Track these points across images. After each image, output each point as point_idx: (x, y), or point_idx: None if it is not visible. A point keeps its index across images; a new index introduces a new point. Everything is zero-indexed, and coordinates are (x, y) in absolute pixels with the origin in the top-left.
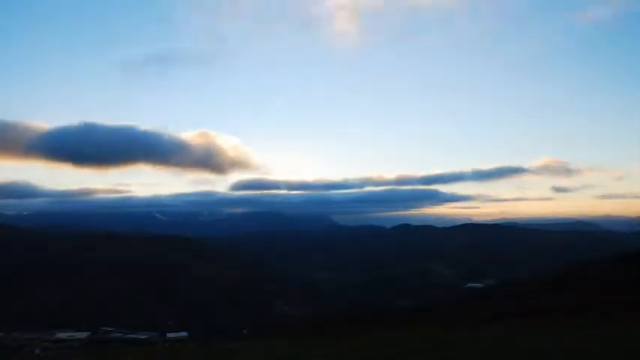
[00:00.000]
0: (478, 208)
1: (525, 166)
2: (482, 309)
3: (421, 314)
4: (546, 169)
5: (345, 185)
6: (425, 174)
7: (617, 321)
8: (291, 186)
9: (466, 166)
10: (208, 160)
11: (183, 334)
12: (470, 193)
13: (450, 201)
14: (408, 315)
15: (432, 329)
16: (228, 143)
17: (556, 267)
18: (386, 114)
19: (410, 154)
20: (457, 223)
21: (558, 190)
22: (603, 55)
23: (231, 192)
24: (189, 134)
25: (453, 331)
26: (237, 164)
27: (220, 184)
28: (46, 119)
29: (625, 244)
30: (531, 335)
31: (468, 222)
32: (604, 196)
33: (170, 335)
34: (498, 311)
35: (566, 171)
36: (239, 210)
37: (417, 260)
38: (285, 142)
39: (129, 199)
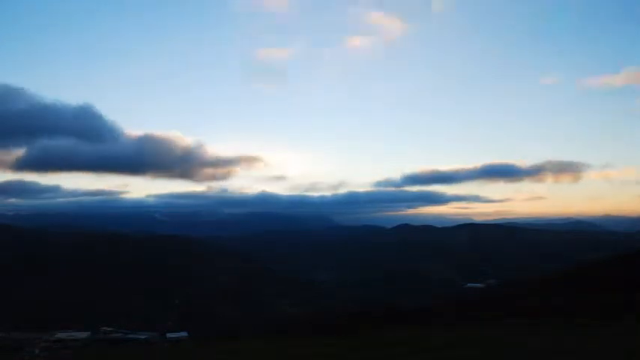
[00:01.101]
0: (478, 208)
1: (524, 165)
2: (483, 309)
3: (421, 314)
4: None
5: (343, 186)
6: (424, 173)
7: (617, 321)
8: (290, 187)
9: (465, 166)
10: (207, 165)
11: (183, 334)
12: (469, 193)
13: (449, 201)
14: (408, 315)
15: (432, 329)
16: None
17: (556, 267)
18: (373, 115)
19: (410, 154)
20: (457, 223)
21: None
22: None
23: (231, 193)
24: (186, 139)
25: (453, 331)
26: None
27: (220, 186)
28: None
29: (625, 244)
30: (531, 335)
31: (468, 222)
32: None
33: (170, 335)
34: (498, 311)
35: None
36: (239, 210)
37: (417, 260)
38: (277, 146)
39: (128, 199)
